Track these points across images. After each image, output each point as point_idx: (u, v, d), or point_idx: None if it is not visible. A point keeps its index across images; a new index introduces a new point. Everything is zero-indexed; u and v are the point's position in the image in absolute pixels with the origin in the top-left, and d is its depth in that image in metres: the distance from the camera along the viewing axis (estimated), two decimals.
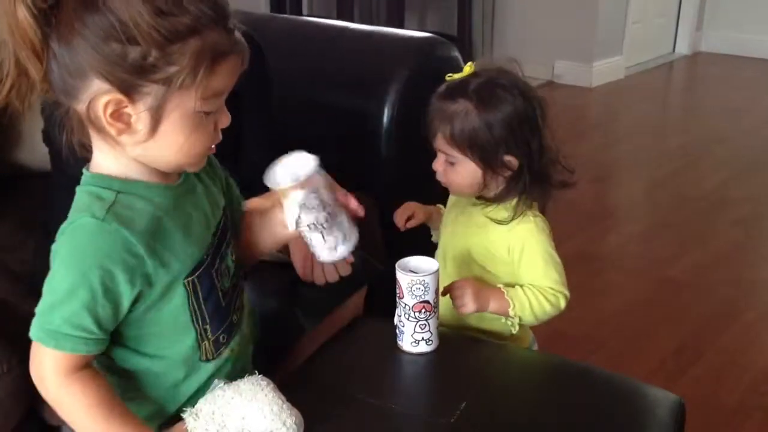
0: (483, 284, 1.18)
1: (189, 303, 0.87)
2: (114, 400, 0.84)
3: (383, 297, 1.36)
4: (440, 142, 1.17)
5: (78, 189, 0.85)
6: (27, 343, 0.86)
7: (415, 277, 1.06)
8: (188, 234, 0.87)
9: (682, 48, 5.49)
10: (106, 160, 0.84)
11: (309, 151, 1.76)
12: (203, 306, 0.89)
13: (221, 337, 0.93)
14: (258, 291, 1.25)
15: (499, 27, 4.83)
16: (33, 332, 0.83)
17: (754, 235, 2.86)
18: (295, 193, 0.93)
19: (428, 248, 1.70)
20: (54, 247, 0.83)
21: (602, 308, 2.26)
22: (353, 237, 1.00)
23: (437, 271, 1.08)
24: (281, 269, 1.27)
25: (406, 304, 1.07)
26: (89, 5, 0.76)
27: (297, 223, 0.94)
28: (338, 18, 4.43)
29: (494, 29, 4.85)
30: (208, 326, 0.90)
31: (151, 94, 0.78)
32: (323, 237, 0.96)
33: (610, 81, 4.73)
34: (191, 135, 0.82)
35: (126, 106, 0.78)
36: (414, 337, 1.09)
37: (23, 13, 0.76)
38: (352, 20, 4.44)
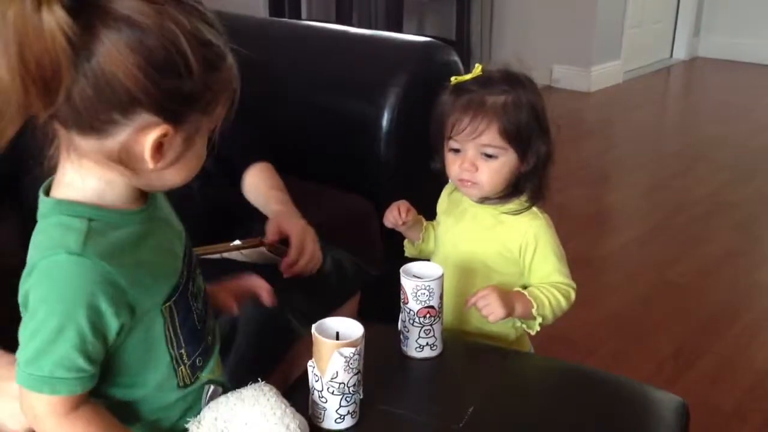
0: (505, 290, 1.16)
1: (165, 329, 0.83)
2: (119, 428, 0.82)
3: (377, 302, 1.37)
4: (486, 137, 1.14)
5: (42, 220, 0.78)
6: None
7: (420, 282, 1.07)
8: (163, 257, 0.83)
9: (680, 53, 5.51)
10: (82, 185, 0.77)
11: (308, 154, 1.78)
12: (179, 331, 0.85)
13: (197, 361, 0.88)
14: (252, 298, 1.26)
15: (498, 31, 4.84)
16: (22, 380, 0.77)
17: (751, 239, 2.88)
18: (345, 349, 0.92)
19: None
20: (25, 286, 0.76)
21: (600, 311, 2.27)
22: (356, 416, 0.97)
23: (441, 276, 1.08)
24: (273, 275, 1.28)
25: (410, 310, 1.08)
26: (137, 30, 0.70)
27: (332, 377, 0.93)
28: (337, 22, 4.44)
29: (492, 34, 4.86)
30: (183, 350, 0.86)
31: (192, 123, 0.76)
32: (341, 401, 0.94)
33: (609, 86, 4.75)
34: (200, 158, 0.81)
35: (167, 136, 0.75)
36: (419, 342, 1.09)
37: (54, 29, 0.67)
38: (350, 24, 4.45)
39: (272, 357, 1.22)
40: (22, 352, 0.76)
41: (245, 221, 1.43)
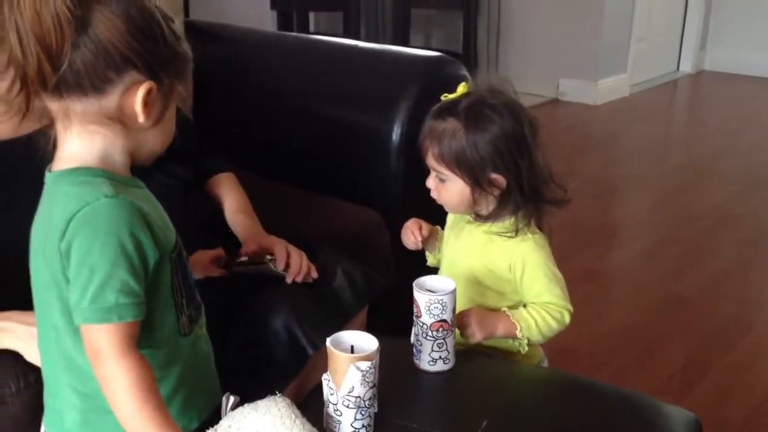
0: (487, 311, 1.20)
1: (172, 277, 0.92)
2: (154, 386, 0.87)
3: (385, 314, 1.38)
4: (430, 160, 1.20)
5: (56, 187, 0.90)
6: None
7: (433, 296, 1.08)
8: (163, 215, 0.94)
9: (686, 66, 5.52)
10: (89, 149, 0.90)
11: (319, 166, 1.80)
12: (181, 282, 0.94)
13: (192, 314, 0.97)
14: (262, 311, 1.27)
15: (504, 45, 4.87)
16: (87, 317, 0.85)
17: (758, 252, 2.88)
18: (362, 363, 0.93)
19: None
20: (69, 235, 0.85)
21: (608, 324, 2.27)
22: (370, 430, 0.99)
23: (454, 290, 1.10)
24: (281, 286, 1.31)
25: (423, 323, 1.09)
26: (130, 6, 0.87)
27: (348, 391, 0.94)
28: (344, 35, 4.47)
29: (499, 47, 4.89)
30: (184, 300, 0.95)
31: (167, 85, 0.91)
32: (356, 414, 0.95)
33: (615, 99, 4.76)
34: (173, 124, 0.95)
35: (152, 94, 0.89)
36: (431, 356, 1.10)
37: (60, 8, 0.83)
38: (358, 38, 4.48)
39: (284, 373, 1.23)
40: (83, 294, 0.85)
41: (228, 234, 1.45)
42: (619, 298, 2.50)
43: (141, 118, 0.89)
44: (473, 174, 1.17)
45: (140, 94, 0.88)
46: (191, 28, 1.99)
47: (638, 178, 3.68)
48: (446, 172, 1.19)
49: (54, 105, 0.89)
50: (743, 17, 5.32)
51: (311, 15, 5.08)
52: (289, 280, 1.31)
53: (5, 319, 1.08)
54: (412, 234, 1.32)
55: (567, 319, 1.19)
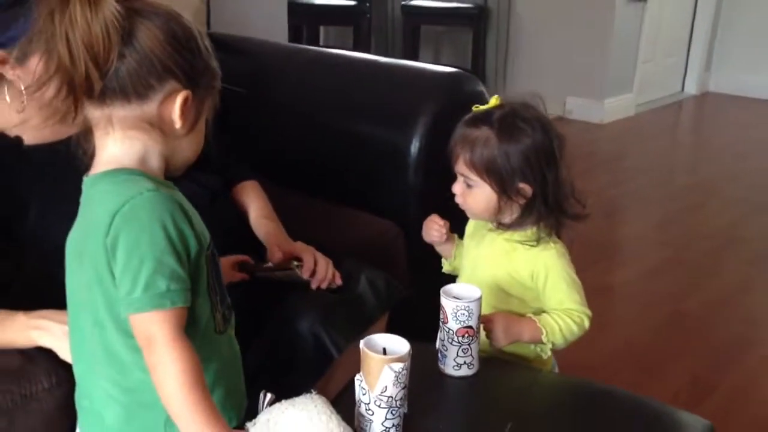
0: (514, 317, 1.23)
1: (207, 275, 0.95)
2: (202, 375, 0.90)
3: (403, 323, 1.41)
4: (461, 165, 1.24)
5: (94, 189, 0.94)
6: None
7: (460, 302, 1.11)
8: (197, 214, 0.97)
9: (691, 88, 5.58)
10: (128, 152, 0.94)
11: (339, 179, 1.83)
12: (214, 280, 0.97)
13: (226, 313, 1.01)
14: (288, 315, 1.31)
15: (512, 62, 4.92)
16: (141, 305, 0.88)
17: (763, 273, 2.90)
18: (395, 364, 0.97)
19: (454, 277, 1.74)
20: (114, 230, 0.89)
21: (614, 340, 2.29)
22: (399, 430, 1.01)
23: (480, 297, 1.13)
24: (306, 292, 1.34)
25: (450, 329, 1.12)
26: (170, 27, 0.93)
27: (381, 391, 0.97)
28: (354, 49, 4.52)
29: (507, 64, 4.94)
30: (218, 299, 0.98)
31: (200, 96, 0.96)
32: (387, 414, 0.98)
33: (621, 118, 4.81)
34: (203, 134, 1.00)
35: (188, 102, 0.94)
36: (456, 361, 1.13)
37: (111, 12, 0.88)
38: (368, 52, 4.53)
39: (309, 376, 1.26)
40: (134, 284, 0.88)
41: (253, 241, 1.48)
42: (625, 315, 2.52)
43: (178, 125, 0.95)
44: (502, 182, 1.21)
45: (178, 101, 0.93)
46: (213, 40, 2.03)
47: (644, 197, 3.71)
48: (475, 178, 1.22)
49: (96, 112, 0.94)
50: (748, 40, 5.38)
51: (321, 29, 5.14)
52: (314, 285, 1.34)
53: (41, 317, 1.11)
54: (435, 224, 1.36)
55: (587, 323, 1.23)
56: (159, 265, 0.88)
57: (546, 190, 1.21)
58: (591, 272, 2.69)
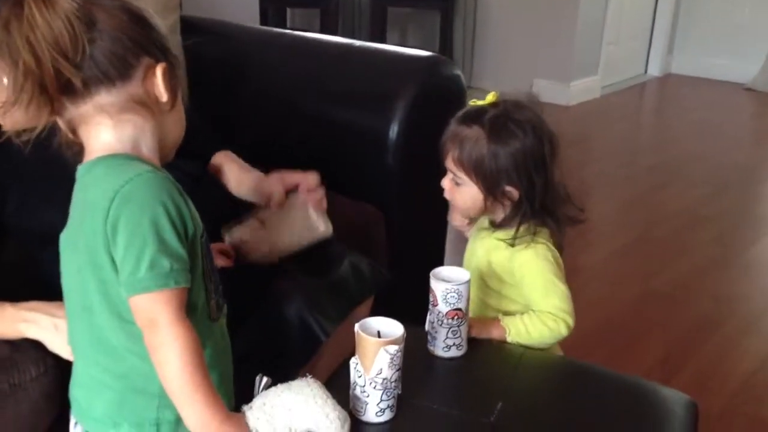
0: (483, 321, 1.24)
1: (202, 261, 0.94)
2: (202, 356, 0.90)
3: (386, 307, 1.42)
4: (450, 162, 1.24)
5: (91, 174, 0.93)
6: None
7: (450, 285, 1.12)
8: (190, 201, 0.96)
9: (654, 70, 5.66)
10: (120, 137, 0.93)
11: (318, 163, 1.83)
12: (209, 266, 0.96)
13: (219, 300, 1.00)
14: (275, 301, 1.31)
15: (480, 45, 4.94)
16: (146, 285, 0.87)
17: (728, 251, 2.98)
18: (390, 346, 0.98)
19: (434, 260, 1.76)
20: (115, 211, 0.88)
21: (588, 319, 2.33)
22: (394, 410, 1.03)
23: (469, 280, 1.14)
24: (291, 277, 1.34)
25: (439, 311, 1.13)
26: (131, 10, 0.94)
27: (376, 373, 0.98)
28: (321, 31, 4.49)
29: (475, 47, 4.96)
30: (212, 285, 0.97)
31: (170, 68, 0.96)
32: (382, 395, 1.00)
33: (586, 100, 4.86)
34: (183, 111, 1.00)
35: (166, 72, 0.94)
36: (446, 342, 1.15)
37: (68, 5, 0.88)
38: (335, 34, 4.50)
39: (297, 361, 1.27)
40: (137, 264, 0.87)
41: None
42: (598, 294, 2.56)
43: (164, 98, 0.94)
44: (488, 183, 1.21)
45: (159, 74, 0.93)
46: (186, 24, 2.01)
47: (610, 179, 3.76)
48: (463, 177, 1.23)
49: (84, 107, 0.92)
50: (709, 24, 5.47)
51: (288, 11, 5.10)
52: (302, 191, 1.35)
53: (30, 309, 1.10)
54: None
55: (563, 330, 1.23)
56: (162, 245, 0.87)
57: (533, 195, 1.21)
58: (562, 253, 2.72)
